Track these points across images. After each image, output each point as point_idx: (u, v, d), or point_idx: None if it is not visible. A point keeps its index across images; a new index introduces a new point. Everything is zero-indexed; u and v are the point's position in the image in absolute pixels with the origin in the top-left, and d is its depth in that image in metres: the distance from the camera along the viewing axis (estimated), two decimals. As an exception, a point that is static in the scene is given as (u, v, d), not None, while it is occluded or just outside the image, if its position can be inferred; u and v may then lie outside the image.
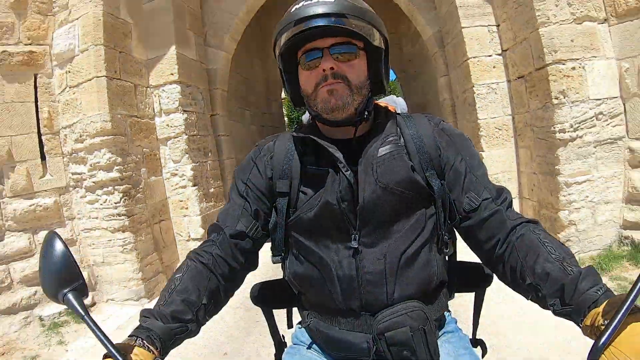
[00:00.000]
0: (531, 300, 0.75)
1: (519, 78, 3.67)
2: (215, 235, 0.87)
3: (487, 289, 0.99)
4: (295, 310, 0.99)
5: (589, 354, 0.54)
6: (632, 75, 3.05)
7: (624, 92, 3.13)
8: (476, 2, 3.95)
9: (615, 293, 0.64)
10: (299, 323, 0.96)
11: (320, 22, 0.74)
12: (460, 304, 1.22)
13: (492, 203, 0.81)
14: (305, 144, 0.87)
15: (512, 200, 0.84)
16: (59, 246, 0.65)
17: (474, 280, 0.98)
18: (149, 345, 0.68)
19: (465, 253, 0.93)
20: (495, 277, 0.88)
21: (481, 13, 3.94)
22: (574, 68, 3.11)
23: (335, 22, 0.74)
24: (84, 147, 3.60)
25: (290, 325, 1.03)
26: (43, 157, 3.73)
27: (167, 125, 4.22)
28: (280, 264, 0.93)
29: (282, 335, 1.04)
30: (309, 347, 0.90)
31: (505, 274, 0.79)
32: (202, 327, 0.82)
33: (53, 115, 3.80)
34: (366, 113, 0.83)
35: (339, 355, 0.84)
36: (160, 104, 4.24)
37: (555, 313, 0.68)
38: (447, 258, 0.90)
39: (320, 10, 0.74)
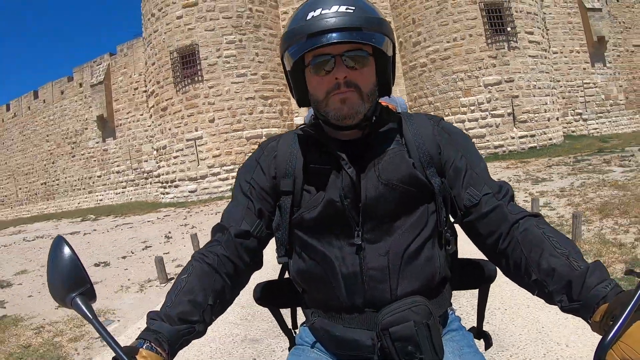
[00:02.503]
0: (537, 295, 0.73)
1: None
2: (219, 235, 0.87)
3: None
4: (299, 311, 0.98)
5: (597, 349, 0.53)
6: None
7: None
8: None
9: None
10: (303, 323, 0.95)
11: (338, 38, 0.73)
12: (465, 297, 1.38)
13: (492, 198, 0.81)
14: (308, 143, 0.87)
15: (513, 195, 0.84)
16: (66, 251, 0.64)
17: (476, 278, 0.96)
18: (157, 348, 0.67)
19: (467, 250, 0.92)
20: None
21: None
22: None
23: (354, 37, 0.73)
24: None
25: (295, 326, 1.03)
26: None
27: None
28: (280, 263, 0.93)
29: (294, 331, 1.03)
30: (313, 346, 0.89)
31: (509, 269, 0.79)
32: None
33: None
34: (374, 117, 0.84)
35: (344, 353, 0.84)
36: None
37: (563, 309, 0.67)
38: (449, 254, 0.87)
39: (338, 23, 0.72)
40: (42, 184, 28.37)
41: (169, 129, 17.30)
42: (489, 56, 15.63)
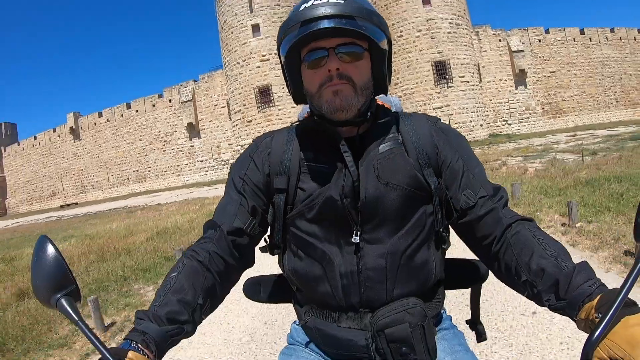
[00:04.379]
0: (527, 297, 0.74)
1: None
2: (211, 232, 0.86)
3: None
4: (291, 308, 0.97)
5: (584, 347, 0.54)
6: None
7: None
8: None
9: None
10: (295, 322, 0.94)
11: (329, 24, 0.73)
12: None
13: (488, 201, 0.82)
14: (303, 139, 0.86)
15: (508, 199, 0.85)
16: (50, 251, 0.63)
17: (468, 278, 0.98)
18: (144, 349, 0.65)
19: (461, 250, 0.93)
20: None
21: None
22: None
23: (345, 23, 0.73)
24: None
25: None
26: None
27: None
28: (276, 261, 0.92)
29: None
30: (306, 346, 0.89)
31: (500, 271, 0.80)
32: None
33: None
34: (369, 113, 0.83)
35: (338, 353, 0.84)
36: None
37: (551, 308, 0.69)
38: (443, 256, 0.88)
39: (329, 11, 0.73)
40: (134, 171, 40.31)
41: (253, 133, 29.39)
42: (436, 92, 27.96)
